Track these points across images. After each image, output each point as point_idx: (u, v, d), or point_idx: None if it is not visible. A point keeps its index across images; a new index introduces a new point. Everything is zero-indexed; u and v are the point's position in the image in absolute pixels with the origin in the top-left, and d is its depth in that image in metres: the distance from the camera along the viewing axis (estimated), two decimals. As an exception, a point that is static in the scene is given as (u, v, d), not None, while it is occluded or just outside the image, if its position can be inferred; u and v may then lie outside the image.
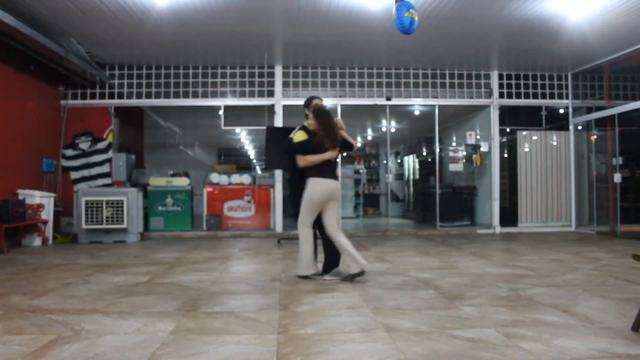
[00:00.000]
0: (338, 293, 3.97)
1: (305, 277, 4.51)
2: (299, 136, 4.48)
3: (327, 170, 4.43)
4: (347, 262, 4.47)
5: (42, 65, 7.68)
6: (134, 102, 9.18)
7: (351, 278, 4.40)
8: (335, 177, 4.49)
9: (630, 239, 8.01)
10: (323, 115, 4.42)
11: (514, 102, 9.67)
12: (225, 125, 9.31)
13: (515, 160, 9.90)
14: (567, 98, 9.75)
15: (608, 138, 9.12)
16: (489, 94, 9.63)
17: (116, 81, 9.08)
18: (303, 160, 4.41)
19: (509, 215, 9.80)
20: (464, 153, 10.18)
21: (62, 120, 8.85)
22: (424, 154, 12.84)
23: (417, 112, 10.85)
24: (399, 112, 11.10)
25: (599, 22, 6.78)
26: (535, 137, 9.93)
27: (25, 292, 4.03)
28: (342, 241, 4.35)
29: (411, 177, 14.00)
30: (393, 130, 12.78)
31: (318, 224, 4.56)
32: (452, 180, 11.56)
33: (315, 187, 4.37)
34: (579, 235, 8.72)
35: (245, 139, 14.20)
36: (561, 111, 9.98)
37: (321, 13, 6.57)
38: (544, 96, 9.70)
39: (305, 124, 4.65)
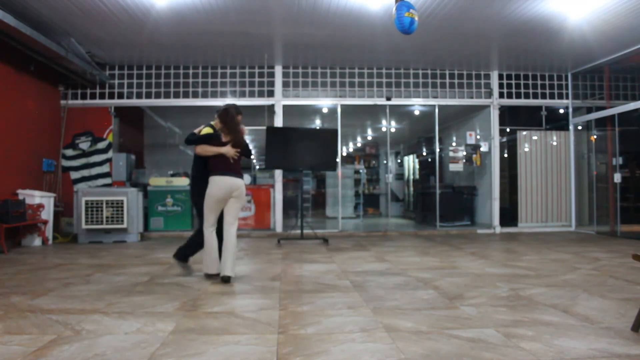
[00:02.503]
0: (338, 293, 3.97)
1: (210, 276, 4.60)
2: (205, 131, 4.65)
3: (224, 167, 4.51)
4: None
5: (42, 65, 7.69)
6: (134, 102, 9.18)
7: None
8: (234, 175, 4.51)
9: (630, 239, 8.01)
10: (225, 114, 4.60)
11: (514, 102, 9.68)
12: (225, 125, 9.29)
13: (515, 160, 9.90)
14: (567, 98, 9.75)
15: (608, 138, 9.12)
16: (489, 94, 9.63)
17: (116, 81, 9.09)
18: (200, 148, 4.53)
19: (509, 215, 9.81)
20: (464, 153, 10.18)
21: (62, 120, 8.86)
22: (424, 154, 12.85)
23: (417, 112, 10.85)
24: (399, 112, 11.10)
25: (599, 22, 6.78)
26: (535, 137, 9.92)
27: (25, 292, 4.03)
28: (228, 242, 4.44)
29: (411, 177, 14.01)
30: (393, 130, 12.78)
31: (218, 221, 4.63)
32: (452, 180, 11.56)
33: (211, 186, 4.46)
34: (579, 235, 8.72)
35: (245, 138, 14.16)
36: (561, 111, 9.98)
37: (321, 13, 6.58)
38: (544, 96, 9.70)
39: (212, 122, 4.79)
